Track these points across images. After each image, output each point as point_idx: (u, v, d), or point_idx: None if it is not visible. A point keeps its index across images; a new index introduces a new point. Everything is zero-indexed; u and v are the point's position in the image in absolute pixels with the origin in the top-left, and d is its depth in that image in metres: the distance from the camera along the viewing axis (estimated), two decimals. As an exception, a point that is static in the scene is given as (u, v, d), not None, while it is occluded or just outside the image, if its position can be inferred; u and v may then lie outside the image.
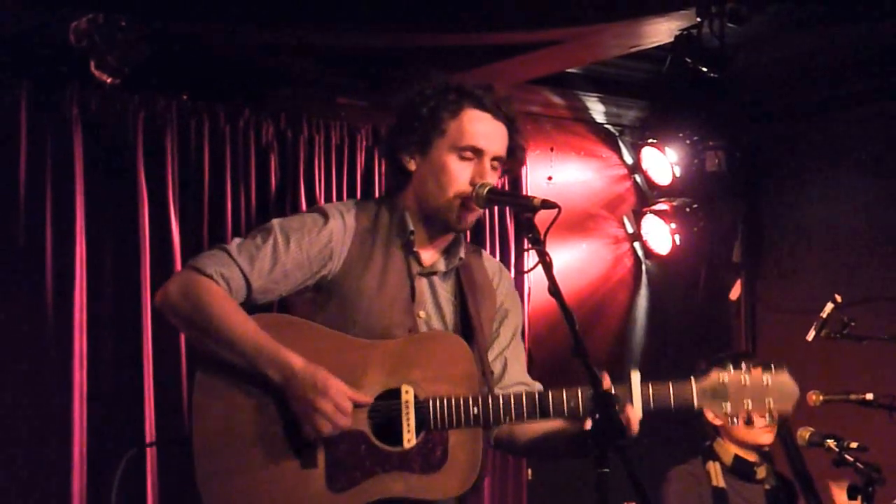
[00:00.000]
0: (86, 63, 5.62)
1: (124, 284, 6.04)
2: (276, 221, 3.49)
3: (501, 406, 3.36)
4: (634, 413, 3.29)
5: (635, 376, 3.36)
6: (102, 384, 5.96)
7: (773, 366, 3.41)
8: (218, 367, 3.32)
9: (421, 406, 3.34)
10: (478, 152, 3.49)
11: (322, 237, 3.46)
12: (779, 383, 3.40)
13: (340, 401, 3.23)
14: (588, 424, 3.21)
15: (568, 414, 3.35)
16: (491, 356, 3.63)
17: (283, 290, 3.46)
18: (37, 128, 5.84)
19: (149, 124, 6.13)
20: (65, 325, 5.82)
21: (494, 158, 3.52)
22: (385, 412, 3.34)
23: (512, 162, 3.63)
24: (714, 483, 5.01)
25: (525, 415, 3.37)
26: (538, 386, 3.63)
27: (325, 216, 3.50)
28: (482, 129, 3.51)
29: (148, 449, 5.97)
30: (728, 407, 3.37)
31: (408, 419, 3.32)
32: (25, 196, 5.78)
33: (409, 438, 3.32)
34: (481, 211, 3.53)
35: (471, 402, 3.34)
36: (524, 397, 3.37)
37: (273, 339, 3.31)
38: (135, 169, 6.07)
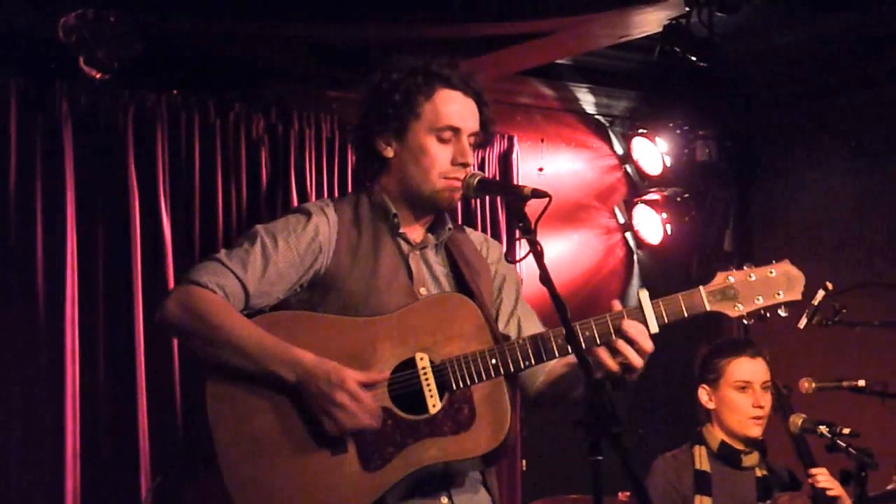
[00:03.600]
0: (75, 59, 5.61)
1: (116, 280, 6.04)
2: (259, 226, 3.48)
3: (518, 350, 3.35)
4: (641, 331, 3.31)
5: (644, 294, 3.38)
6: (95, 382, 5.96)
7: (773, 261, 3.44)
8: (227, 375, 3.29)
9: (439, 370, 3.33)
10: (455, 131, 3.50)
11: (308, 232, 3.45)
12: (784, 273, 3.42)
13: (357, 392, 3.21)
14: (603, 354, 3.26)
15: (586, 344, 3.30)
16: (502, 322, 3.63)
17: (279, 292, 3.44)
18: (26, 124, 5.84)
19: (139, 119, 6.14)
20: (56, 322, 5.82)
21: (471, 135, 3.54)
22: (404, 384, 3.33)
23: (484, 135, 3.65)
24: (697, 466, 5.03)
25: (543, 354, 3.36)
26: None
27: (308, 213, 3.50)
28: (456, 108, 3.53)
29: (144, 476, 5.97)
30: (740, 307, 3.39)
31: (428, 385, 3.31)
32: (16, 192, 5.79)
33: (434, 403, 3.31)
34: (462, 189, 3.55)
35: (487, 355, 3.33)
36: (538, 336, 3.37)
37: (277, 336, 3.30)
38: (125, 164, 6.07)
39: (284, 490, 3.26)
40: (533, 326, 3.66)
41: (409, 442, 3.29)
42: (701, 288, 3.40)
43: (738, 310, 3.39)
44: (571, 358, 3.43)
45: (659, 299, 3.38)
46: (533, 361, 3.36)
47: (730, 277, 3.40)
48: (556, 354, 3.36)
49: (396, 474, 3.28)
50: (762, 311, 3.41)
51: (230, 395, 3.30)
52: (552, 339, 3.35)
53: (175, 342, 6.00)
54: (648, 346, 3.31)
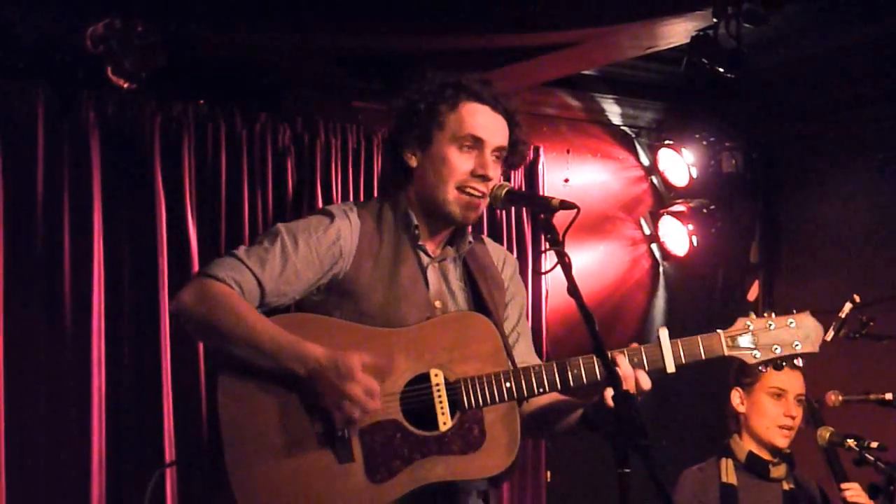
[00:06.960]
0: (102, 68, 5.63)
1: (142, 289, 6.06)
2: (281, 225, 3.47)
3: (534, 377, 3.35)
4: (642, 376, 3.34)
5: (664, 333, 3.39)
6: (121, 390, 5.98)
7: (794, 311, 3.46)
8: (240, 369, 3.28)
9: (452, 387, 3.32)
10: (478, 142, 3.48)
11: (330, 235, 3.45)
12: (804, 325, 3.45)
13: (368, 382, 3.19)
14: (608, 394, 3.23)
15: (587, 379, 3.34)
16: None
17: (295, 292, 3.43)
18: (54, 133, 5.86)
19: (165, 129, 6.15)
20: (83, 330, 5.84)
21: (496, 150, 3.51)
22: (417, 398, 3.31)
23: (514, 155, 3.62)
24: (723, 479, 5.00)
25: (559, 385, 3.36)
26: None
27: (331, 216, 3.49)
28: (481, 121, 3.50)
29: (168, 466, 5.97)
30: (758, 354, 3.42)
31: (441, 402, 3.30)
32: (43, 201, 5.81)
33: (445, 421, 3.30)
34: (484, 205, 3.51)
35: (502, 378, 3.34)
36: (556, 367, 3.37)
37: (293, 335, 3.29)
38: (152, 173, 6.09)
39: (287, 493, 3.24)
40: (526, 349, 3.70)
41: (416, 457, 3.28)
42: (720, 332, 3.44)
43: (755, 357, 3.44)
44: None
45: (678, 339, 3.40)
46: (547, 389, 3.38)
47: (749, 324, 3.44)
48: (571, 385, 3.38)
49: (401, 489, 3.27)
50: (778, 361, 3.46)
51: (241, 391, 3.29)
52: (569, 369, 3.37)
53: (200, 348, 6.03)
54: (646, 384, 3.35)
